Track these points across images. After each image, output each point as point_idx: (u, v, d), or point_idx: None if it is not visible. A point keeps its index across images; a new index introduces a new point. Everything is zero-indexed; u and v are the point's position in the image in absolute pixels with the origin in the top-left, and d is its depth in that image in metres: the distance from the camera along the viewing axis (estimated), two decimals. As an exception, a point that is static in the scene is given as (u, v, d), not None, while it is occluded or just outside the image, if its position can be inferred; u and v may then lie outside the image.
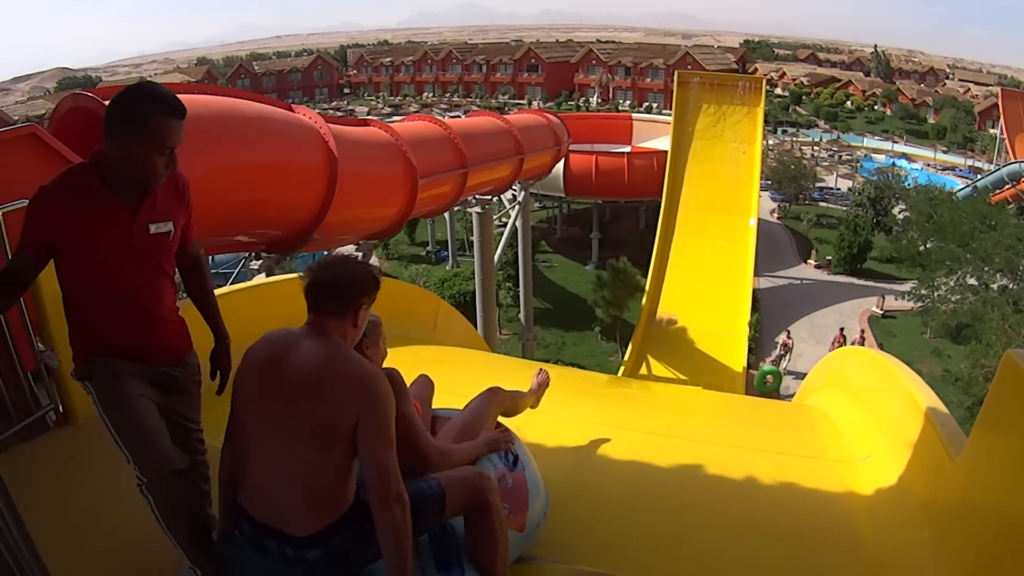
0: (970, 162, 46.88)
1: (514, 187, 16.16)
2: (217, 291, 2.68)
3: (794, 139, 50.37)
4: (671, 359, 16.11)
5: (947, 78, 75.46)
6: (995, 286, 18.17)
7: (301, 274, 2.07)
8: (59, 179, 2.04)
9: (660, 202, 19.96)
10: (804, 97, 66.21)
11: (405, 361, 3.52)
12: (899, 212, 28.59)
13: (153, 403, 2.15)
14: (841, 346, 15.88)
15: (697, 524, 3.13)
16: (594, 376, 9.93)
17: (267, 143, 6.46)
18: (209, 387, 2.37)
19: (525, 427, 3.06)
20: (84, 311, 2.13)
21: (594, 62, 70.54)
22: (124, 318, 2.13)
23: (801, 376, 14.87)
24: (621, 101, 65.65)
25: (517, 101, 66.87)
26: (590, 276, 22.14)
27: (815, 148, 48.84)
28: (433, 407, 3.00)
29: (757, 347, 18.51)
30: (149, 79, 8.17)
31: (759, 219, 20.00)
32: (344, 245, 9.98)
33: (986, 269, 18.38)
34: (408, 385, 2.61)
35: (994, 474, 2.39)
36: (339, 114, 49.85)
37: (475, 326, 12.52)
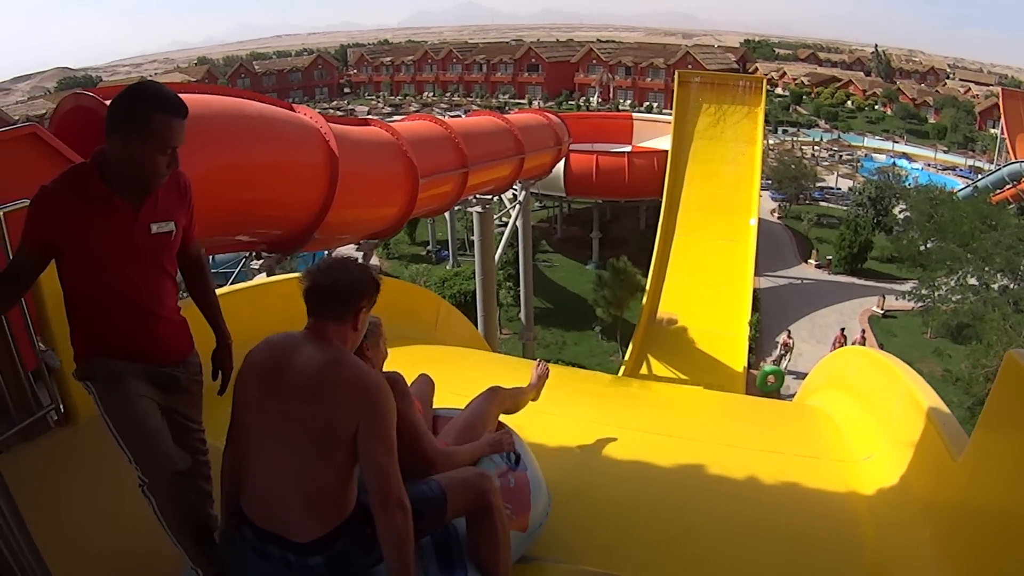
0: (971, 162, 46.88)
1: (515, 187, 16.16)
2: (218, 291, 2.67)
3: (795, 139, 50.36)
4: (672, 359, 16.11)
5: (948, 78, 75.46)
6: (996, 286, 18.16)
7: (300, 277, 2.06)
8: (60, 179, 2.03)
9: (661, 202, 19.97)
10: (804, 97, 66.21)
11: (406, 361, 3.52)
12: (900, 212, 28.59)
13: (155, 403, 2.14)
14: (842, 346, 15.88)
15: (699, 524, 3.13)
16: (595, 376, 9.93)
17: (268, 143, 6.46)
18: (211, 387, 2.37)
19: (526, 427, 3.06)
20: (86, 311, 2.12)
21: (594, 62, 70.53)
22: (126, 318, 2.13)
23: (801, 376, 14.87)
24: (621, 101, 65.68)
25: (517, 101, 66.88)
26: (591, 276, 22.14)
27: (816, 148, 48.87)
28: (434, 407, 3.00)
29: (757, 347, 18.51)
30: (150, 79, 8.09)
31: (759, 219, 20.01)
32: (345, 245, 9.99)
33: (987, 269, 18.36)
34: (408, 385, 2.61)
35: (996, 474, 2.39)
36: (339, 113, 49.85)
37: (476, 326, 12.51)
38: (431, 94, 74.34)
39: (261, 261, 7.45)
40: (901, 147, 51.12)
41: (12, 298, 2.17)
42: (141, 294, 2.14)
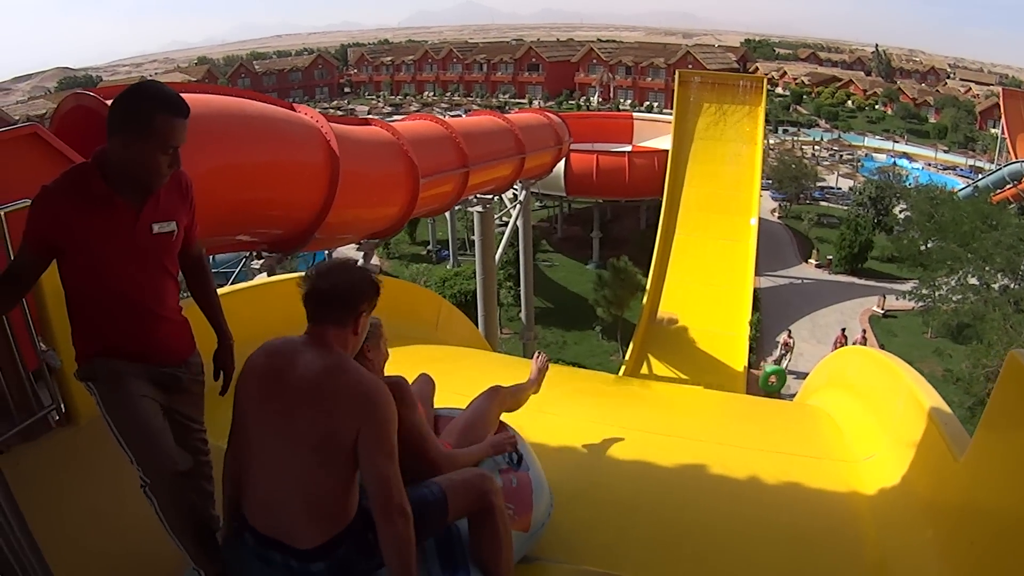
0: (971, 162, 46.88)
1: (515, 186, 16.16)
2: (219, 291, 2.67)
3: (795, 138, 50.38)
4: (672, 358, 16.12)
5: (948, 78, 75.42)
6: (996, 286, 18.17)
7: (298, 281, 2.04)
8: (62, 179, 2.03)
9: (661, 201, 19.98)
10: (805, 96, 66.19)
11: (407, 361, 3.52)
12: (900, 212, 28.60)
13: (156, 404, 2.14)
14: (843, 346, 15.87)
15: (700, 523, 3.13)
16: (596, 375, 9.93)
17: (269, 142, 6.46)
18: (212, 387, 2.37)
19: (527, 427, 3.06)
20: (87, 311, 2.12)
21: (595, 61, 70.51)
22: (127, 318, 2.12)
23: (802, 376, 14.88)
24: (622, 100, 65.69)
25: (518, 100, 66.90)
26: (591, 275, 22.15)
27: (816, 147, 48.89)
28: (435, 407, 2.99)
29: (758, 347, 18.52)
30: (150, 78, 8.12)
31: (760, 218, 20.02)
32: (346, 244, 10.00)
33: (987, 269, 18.37)
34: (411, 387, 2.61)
35: (998, 474, 2.38)
36: (340, 113, 49.88)
37: (476, 325, 12.52)
38: (431, 94, 74.34)
39: (262, 261, 7.45)
40: (901, 147, 51.14)
41: (14, 298, 2.17)
42: (143, 294, 2.14)
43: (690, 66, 54.76)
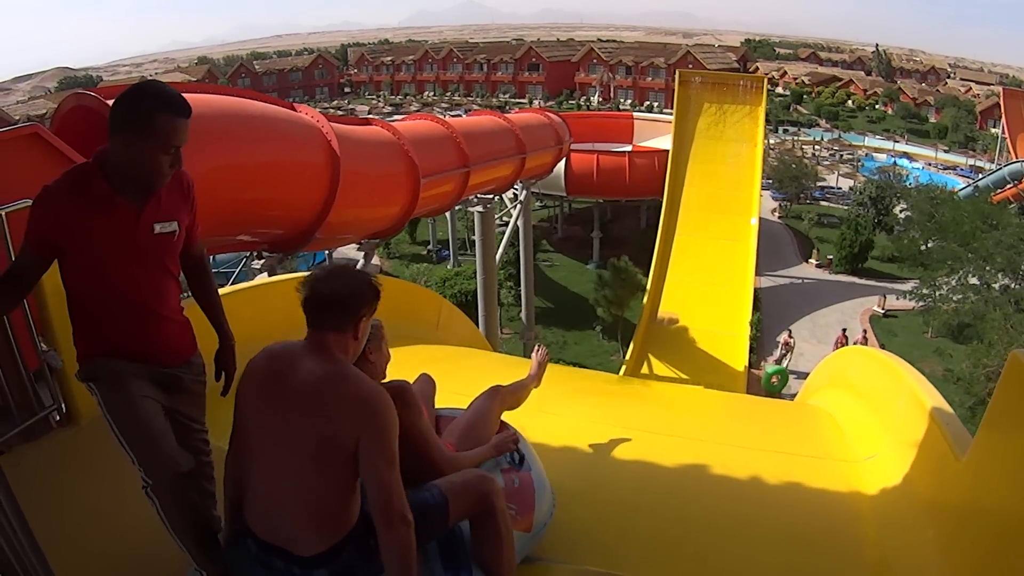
0: (971, 161, 46.86)
1: (515, 186, 16.16)
2: (219, 291, 2.67)
3: (795, 138, 50.34)
4: (672, 358, 16.12)
5: (948, 77, 75.41)
6: (997, 285, 18.14)
7: (297, 287, 2.02)
8: (63, 179, 2.03)
9: (661, 201, 19.97)
10: (805, 96, 66.17)
11: (407, 361, 3.52)
12: (900, 211, 28.56)
13: (158, 404, 2.14)
14: (844, 347, 15.86)
15: (702, 523, 3.13)
16: (596, 375, 9.93)
17: (270, 142, 6.46)
18: (213, 388, 2.36)
19: (528, 426, 3.06)
20: (88, 311, 2.12)
21: (595, 61, 70.49)
22: (128, 318, 2.12)
23: (802, 375, 14.87)
24: (622, 100, 65.68)
25: (518, 100, 66.88)
26: (591, 275, 22.14)
27: (816, 147, 48.84)
28: (436, 407, 2.99)
29: (758, 346, 18.51)
30: (151, 78, 8.16)
31: (760, 218, 19.99)
32: (346, 244, 10.00)
33: (988, 268, 18.34)
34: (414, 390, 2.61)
35: (1000, 474, 2.38)
36: (340, 113, 49.86)
37: (476, 325, 12.52)
38: (432, 93, 74.32)
39: (262, 261, 7.45)
40: (902, 146, 51.13)
41: (15, 299, 2.16)
42: (144, 294, 2.13)
43: (690, 66, 54.75)
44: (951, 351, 16.46)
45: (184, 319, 2.28)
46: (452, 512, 2.19)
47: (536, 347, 3.55)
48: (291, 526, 1.93)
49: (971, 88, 66.47)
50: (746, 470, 3.59)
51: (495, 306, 15.53)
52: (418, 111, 54.50)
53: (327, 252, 21.17)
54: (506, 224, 19.08)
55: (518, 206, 17.59)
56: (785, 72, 72.29)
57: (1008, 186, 31.66)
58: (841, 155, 48.37)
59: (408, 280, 19.18)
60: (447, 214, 23.18)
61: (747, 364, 15.97)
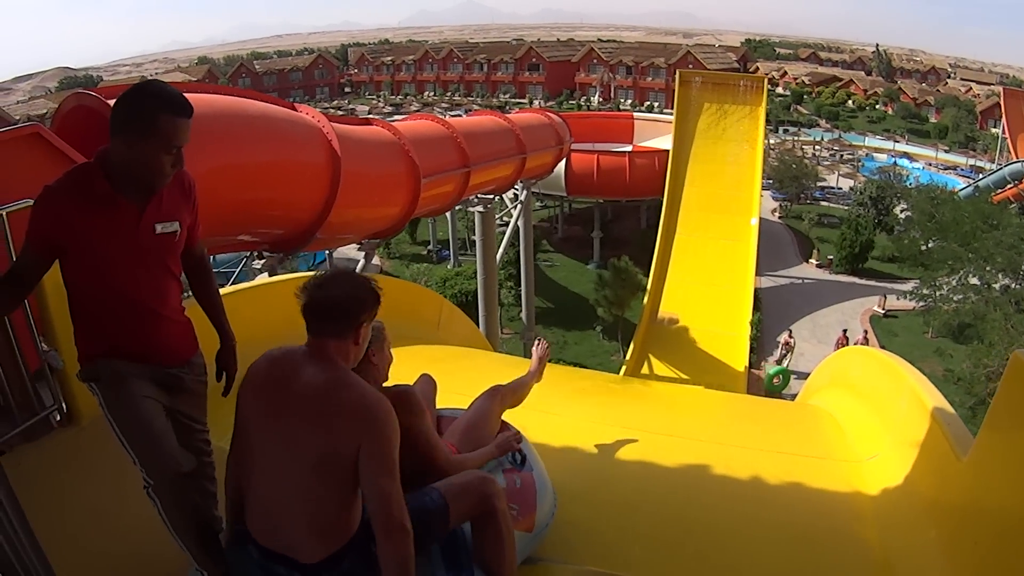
0: (972, 161, 46.86)
1: (516, 186, 16.16)
2: (220, 291, 2.66)
3: (795, 138, 50.32)
4: (673, 358, 16.12)
5: (949, 77, 75.39)
6: (997, 286, 18.14)
7: (296, 292, 2.00)
8: (65, 178, 2.02)
9: (661, 201, 19.97)
10: (805, 96, 66.16)
11: (408, 361, 3.51)
12: (901, 211, 28.55)
13: (159, 404, 2.14)
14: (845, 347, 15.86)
15: (703, 524, 3.13)
16: (597, 375, 9.93)
17: (271, 142, 6.46)
18: (215, 388, 2.36)
19: (529, 427, 3.05)
20: (90, 311, 2.11)
21: (595, 61, 70.49)
22: (130, 318, 2.12)
23: (803, 375, 14.86)
24: (622, 100, 65.70)
25: (518, 100, 66.89)
26: (592, 275, 22.14)
27: (816, 147, 48.81)
28: (437, 407, 2.99)
29: (759, 346, 18.51)
30: (151, 78, 8.19)
31: (760, 218, 19.99)
32: (347, 244, 10.00)
33: (988, 269, 18.34)
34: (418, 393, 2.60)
35: (1002, 474, 2.38)
36: (340, 113, 49.87)
37: (477, 325, 12.52)
38: (432, 93, 74.33)
39: (263, 261, 7.45)
40: (902, 147, 51.14)
41: (16, 299, 2.15)
42: (145, 294, 2.13)
43: (691, 66, 54.77)
44: (951, 351, 16.46)
45: (185, 319, 2.27)
46: (453, 515, 2.19)
47: (537, 341, 3.55)
48: (292, 532, 1.93)
49: (971, 88, 66.44)
50: (747, 470, 3.59)
51: (495, 306, 15.53)
52: (418, 111, 54.51)
53: (327, 252, 21.21)
54: (506, 224, 19.09)
55: (518, 206, 17.59)
56: (785, 72, 72.28)
57: (1008, 186, 31.65)
58: (841, 155, 48.38)
59: (408, 280, 19.18)
60: (447, 214, 23.18)
61: (747, 364, 15.97)
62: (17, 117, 39.24)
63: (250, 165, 6.13)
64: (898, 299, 21.49)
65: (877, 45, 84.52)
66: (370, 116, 28.29)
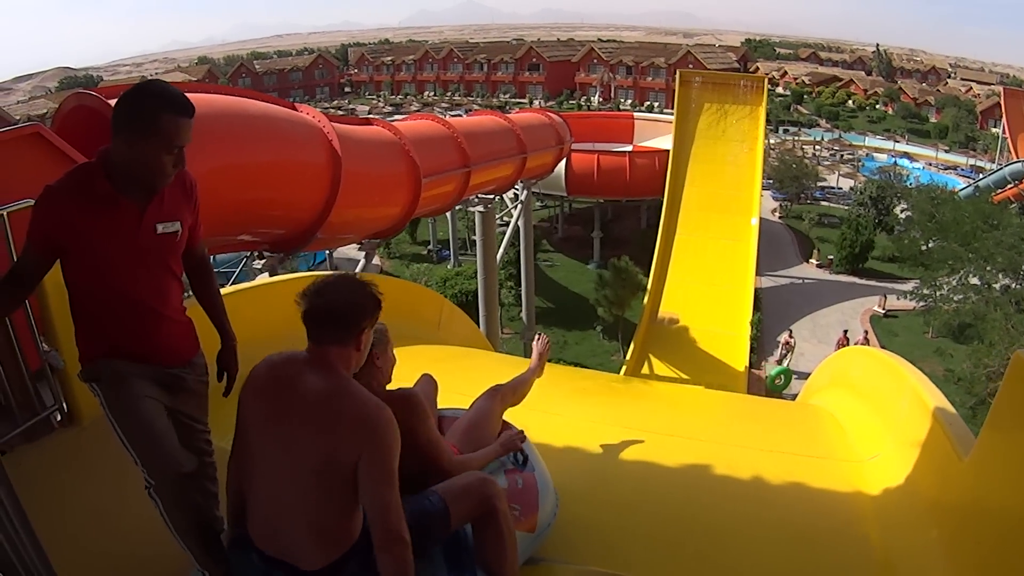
0: (972, 161, 46.86)
1: (516, 186, 16.16)
2: (221, 291, 2.66)
3: (796, 138, 50.32)
4: (673, 358, 16.11)
5: (949, 77, 75.36)
6: (997, 286, 18.15)
7: (297, 299, 1.99)
8: (66, 178, 2.02)
9: (662, 201, 19.95)
10: (806, 96, 66.14)
11: (409, 361, 3.51)
12: (901, 211, 28.55)
13: (160, 404, 2.13)
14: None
15: (704, 524, 3.12)
16: (597, 375, 9.92)
17: (271, 142, 6.46)
18: (216, 388, 2.36)
19: (530, 427, 3.05)
20: (91, 311, 2.11)
21: (595, 61, 70.47)
22: (131, 319, 2.11)
23: (803, 375, 14.86)
24: (622, 100, 65.69)
25: (518, 100, 66.88)
26: (592, 275, 22.14)
27: (817, 147, 48.83)
28: (438, 407, 2.99)
29: (759, 346, 18.51)
30: (152, 78, 8.21)
31: (761, 218, 19.97)
32: (347, 244, 9.99)
33: (988, 268, 18.35)
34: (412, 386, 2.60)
35: (1004, 474, 2.38)
36: (340, 113, 49.84)
37: (477, 325, 12.51)
38: (432, 93, 74.32)
39: (263, 261, 7.46)
40: (902, 146, 51.13)
41: (17, 299, 2.14)
42: (146, 294, 2.12)
43: (691, 66, 54.74)
44: (952, 351, 16.45)
45: (187, 319, 2.27)
46: (453, 517, 2.19)
47: (537, 336, 3.54)
48: (293, 539, 1.92)
49: (972, 88, 66.43)
50: (749, 470, 3.59)
51: (496, 306, 15.53)
52: (418, 111, 54.51)
53: (328, 252, 21.19)
54: (507, 224, 19.09)
55: (519, 206, 17.60)
56: (785, 72, 72.26)
57: (1009, 186, 31.65)
58: (842, 155, 48.38)
59: (408, 280, 19.17)
60: (448, 214, 23.19)
61: (748, 364, 15.96)
62: (17, 117, 39.22)
63: (251, 165, 6.13)
64: (898, 299, 21.48)
65: (877, 45, 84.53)
66: (370, 116, 28.28)
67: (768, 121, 26.72)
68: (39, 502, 2.25)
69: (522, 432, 2.78)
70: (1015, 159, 36.28)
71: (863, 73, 73.62)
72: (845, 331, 18.32)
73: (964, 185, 34.70)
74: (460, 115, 28.30)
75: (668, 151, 21.29)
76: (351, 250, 19.37)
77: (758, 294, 19.89)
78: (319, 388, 1.92)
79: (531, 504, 2.58)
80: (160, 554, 2.26)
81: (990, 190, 30.76)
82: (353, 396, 1.92)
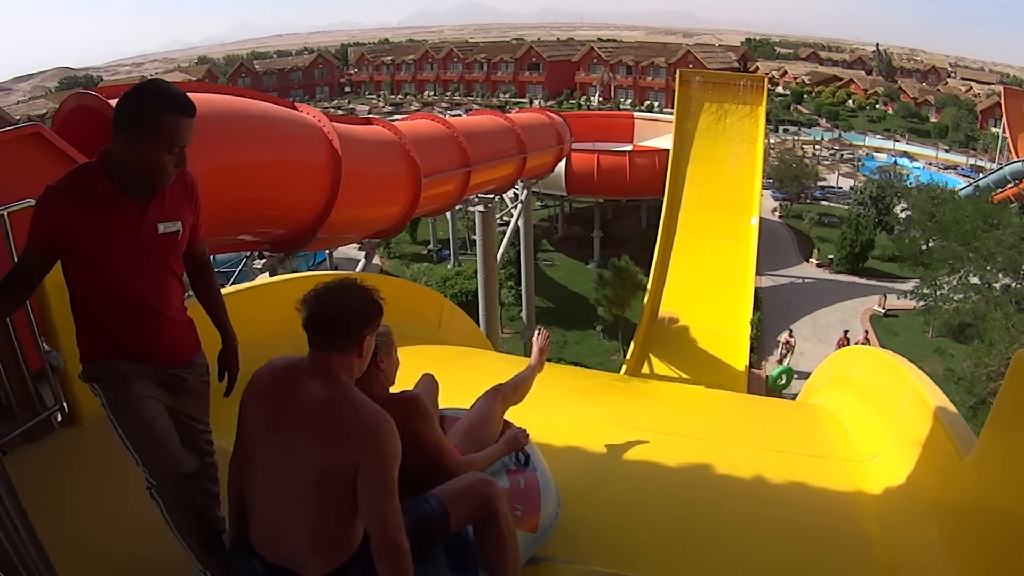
0: (972, 161, 46.88)
1: (516, 186, 16.16)
2: (222, 291, 2.66)
3: (796, 138, 50.34)
4: (673, 358, 16.12)
5: (949, 76, 75.33)
6: (997, 285, 18.17)
7: (297, 306, 1.97)
8: (67, 178, 2.02)
9: (662, 201, 19.96)
10: (806, 96, 66.14)
11: (410, 361, 3.50)
12: (901, 211, 28.56)
13: (162, 405, 2.13)
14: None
15: (706, 523, 3.12)
16: (598, 375, 9.92)
17: (271, 142, 6.46)
18: (217, 388, 2.36)
19: (532, 427, 3.05)
20: (92, 312, 2.11)
21: (595, 61, 70.46)
22: (132, 319, 2.11)
23: (803, 375, 14.86)
24: (622, 100, 65.67)
25: (518, 100, 66.86)
26: (592, 275, 22.16)
27: (817, 147, 48.87)
28: (439, 407, 2.99)
29: (759, 346, 18.51)
30: (152, 78, 8.20)
31: (761, 218, 19.98)
32: (347, 244, 9.99)
33: (988, 268, 18.36)
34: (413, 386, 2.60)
35: (1005, 473, 2.38)
36: (340, 113, 49.83)
37: (477, 325, 12.51)
38: (432, 93, 74.30)
39: (264, 260, 7.45)
40: (902, 146, 51.16)
41: (19, 300, 2.14)
42: (147, 294, 2.12)
43: (691, 65, 54.74)
44: (952, 351, 16.46)
45: (188, 319, 2.27)
46: (453, 519, 2.18)
47: (537, 332, 3.54)
48: (294, 547, 1.92)
49: (972, 87, 66.42)
50: (750, 470, 3.59)
51: (496, 306, 15.54)
52: (418, 111, 54.50)
53: (328, 251, 21.19)
54: (507, 224, 19.10)
55: (519, 206, 17.61)
56: (785, 72, 72.26)
57: (1009, 185, 31.65)
58: (841, 155, 48.39)
59: (409, 280, 19.18)
60: (448, 213, 23.19)
61: (748, 364, 15.97)
62: (17, 117, 39.23)
63: (251, 165, 6.13)
64: (898, 299, 21.49)
65: (877, 44, 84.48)
66: (370, 116, 28.27)
67: (768, 121, 26.73)
68: (40, 502, 2.25)
69: (526, 431, 2.78)
70: (1015, 158, 36.28)
71: (863, 73, 73.62)
72: (845, 331, 18.32)
73: (964, 184, 34.71)
74: (460, 115, 28.31)
75: (668, 151, 21.31)
76: (351, 250, 19.39)
77: (758, 294, 19.89)
78: (320, 396, 1.91)
79: (533, 504, 2.58)
80: (161, 554, 2.25)
81: (990, 189, 30.78)
82: (353, 404, 1.91)
